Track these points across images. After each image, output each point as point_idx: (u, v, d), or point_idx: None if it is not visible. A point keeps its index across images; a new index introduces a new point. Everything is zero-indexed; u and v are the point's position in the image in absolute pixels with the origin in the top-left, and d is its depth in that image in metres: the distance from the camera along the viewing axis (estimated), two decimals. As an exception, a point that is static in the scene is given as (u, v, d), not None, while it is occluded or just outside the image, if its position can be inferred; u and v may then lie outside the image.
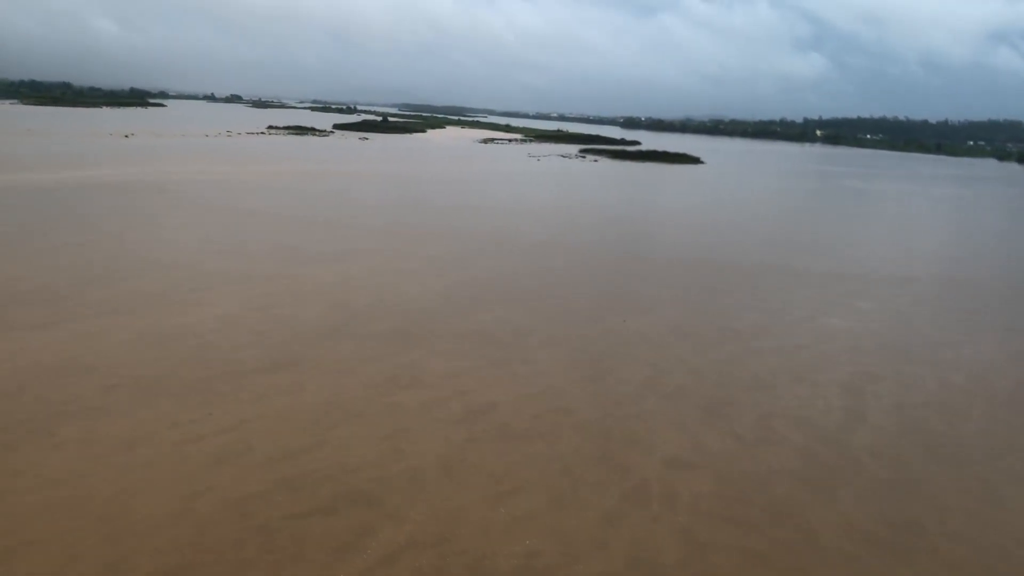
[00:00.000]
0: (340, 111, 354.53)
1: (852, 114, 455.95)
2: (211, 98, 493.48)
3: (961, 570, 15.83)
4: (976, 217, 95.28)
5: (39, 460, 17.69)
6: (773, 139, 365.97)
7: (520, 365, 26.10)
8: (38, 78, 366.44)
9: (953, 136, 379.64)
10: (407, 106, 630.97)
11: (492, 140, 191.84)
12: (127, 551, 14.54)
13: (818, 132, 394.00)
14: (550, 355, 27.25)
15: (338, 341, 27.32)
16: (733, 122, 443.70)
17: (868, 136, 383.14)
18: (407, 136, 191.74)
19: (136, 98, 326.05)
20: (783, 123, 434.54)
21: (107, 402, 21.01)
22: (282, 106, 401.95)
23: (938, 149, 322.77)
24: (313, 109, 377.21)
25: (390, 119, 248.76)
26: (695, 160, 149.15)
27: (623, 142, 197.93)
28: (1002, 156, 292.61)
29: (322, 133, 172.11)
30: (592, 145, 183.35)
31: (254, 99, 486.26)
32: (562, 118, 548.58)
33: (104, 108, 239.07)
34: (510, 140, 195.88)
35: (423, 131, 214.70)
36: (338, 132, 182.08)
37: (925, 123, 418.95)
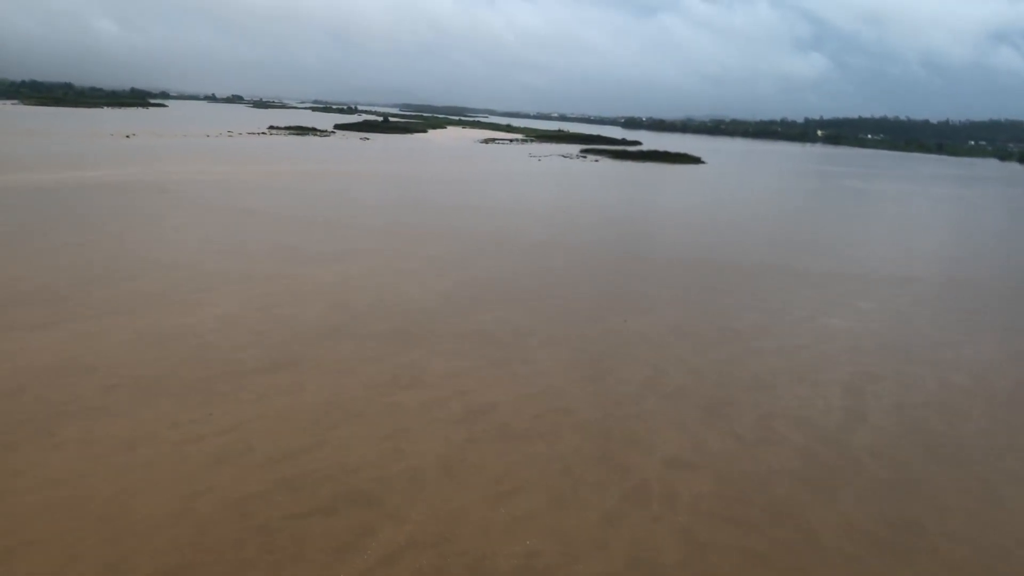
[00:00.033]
0: (341, 111, 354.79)
1: (853, 114, 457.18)
2: (212, 98, 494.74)
3: (961, 570, 15.82)
4: (976, 217, 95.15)
5: (39, 460, 17.70)
6: (774, 139, 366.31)
7: (520, 365, 26.10)
8: (39, 78, 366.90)
9: (954, 136, 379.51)
10: (408, 106, 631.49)
11: (493, 140, 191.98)
12: (127, 551, 14.55)
13: (819, 132, 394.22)
14: (550, 355, 27.25)
15: (338, 341, 27.33)
16: (734, 122, 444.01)
17: (869, 136, 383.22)
18: (408, 136, 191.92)
19: (137, 98, 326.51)
20: (784, 123, 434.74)
21: (107, 402, 21.03)
22: (283, 106, 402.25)
23: (939, 149, 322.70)
24: (314, 109, 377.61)
25: (391, 119, 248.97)
26: (696, 160, 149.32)
27: (624, 142, 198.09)
28: (1003, 156, 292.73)
29: (323, 133, 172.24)
30: (593, 145, 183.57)
31: (255, 99, 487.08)
32: (563, 118, 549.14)
33: (105, 108, 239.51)
34: (511, 140, 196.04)
35: (424, 131, 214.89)
36: (339, 132, 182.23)
37: (926, 123, 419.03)
